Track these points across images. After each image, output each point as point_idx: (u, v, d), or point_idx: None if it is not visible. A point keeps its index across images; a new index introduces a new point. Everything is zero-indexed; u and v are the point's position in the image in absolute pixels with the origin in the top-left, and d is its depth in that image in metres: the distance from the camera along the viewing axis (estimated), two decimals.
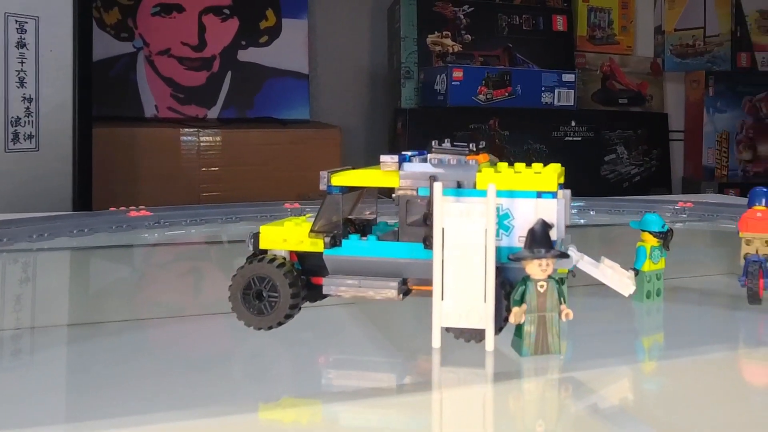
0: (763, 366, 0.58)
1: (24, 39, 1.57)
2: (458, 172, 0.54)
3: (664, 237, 0.64)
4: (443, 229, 0.52)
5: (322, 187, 0.59)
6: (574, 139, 2.12)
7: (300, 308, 0.59)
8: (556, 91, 2.09)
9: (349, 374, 0.56)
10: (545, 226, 0.50)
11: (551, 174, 0.53)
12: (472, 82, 2.04)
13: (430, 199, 0.53)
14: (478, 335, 0.53)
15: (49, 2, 1.60)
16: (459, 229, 0.52)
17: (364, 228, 0.62)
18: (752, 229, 0.64)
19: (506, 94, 2.06)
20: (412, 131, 2.07)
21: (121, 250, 1.06)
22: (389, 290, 0.55)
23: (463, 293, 0.52)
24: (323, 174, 0.58)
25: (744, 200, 1.32)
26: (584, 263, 0.54)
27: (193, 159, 2.10)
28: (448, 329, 0.54)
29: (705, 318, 0.69)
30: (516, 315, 0.50)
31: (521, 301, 0.50)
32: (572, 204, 0.62)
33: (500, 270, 0.52)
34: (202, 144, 2.09)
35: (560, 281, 0.52)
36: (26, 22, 1.57)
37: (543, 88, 2.08)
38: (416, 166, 0.55)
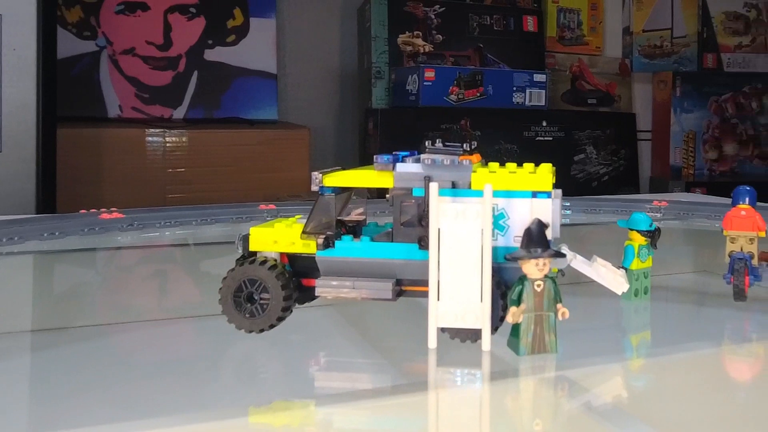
0: (748, 362, 0.60)
1: None
2: (453, 172, 0.54)
3: (652, 235, 0.65)
4: (439, 229, 0.52)
5: (314, 188, 0.59)
6: (546, 139, 2.15)
7: (292, 311, 0.59)
8: (528, 91, 2.12)
9: (341, 376, 0.56)
10: (541, 226, 0.51)
11: (546, 174, 0.53)
12: (443, 82, 2.05)
13: (425, 200, 0.54)
14: (473, 335, 0.54)
15: (12, 0, 1.56)
16: (455, 229, 0.52)
17: (354, 229, 0.62)
18: (736, 227, 0.65)
19: (478, 94, 2.07)
20: (383, 131, 2.07)
21: (94, 254, 1.04)
22: (384, 291, 0.56)
23: (459, 293, 0.52)
24: (315, 175, 0.58)
25: (717, 199, 1.36)
26: (577, 262, 0.55)
27: (159, 160, 2.07)
28: (443, 329, 0.54)
29: (692, 315, 0.70)
30: (514, 315, 0.50)
31: (518, 300, 0.51)
32: None
33: (496, 270, 0.53)
34: (168, 145, 2.06)
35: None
36: None
37: (514, 89, 2.10)
38: (410, 167, 0.55)
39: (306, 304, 0.60)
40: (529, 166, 0.57)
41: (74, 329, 0.68)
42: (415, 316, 0.63)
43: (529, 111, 2.14)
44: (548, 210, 0.52)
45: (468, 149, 0.56)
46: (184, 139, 2.06)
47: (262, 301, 0.57)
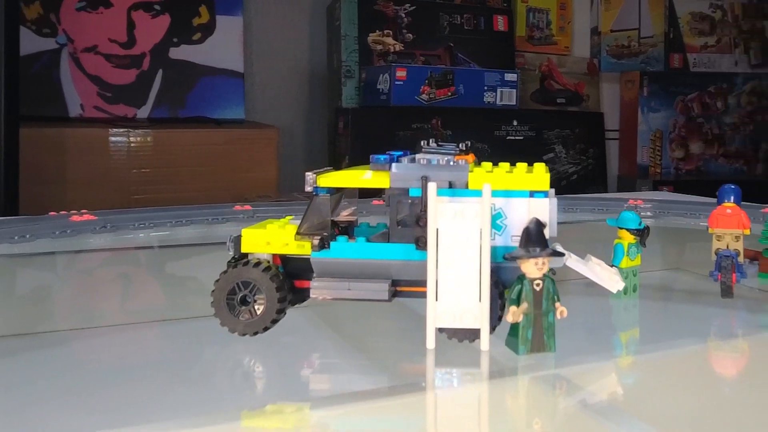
0: (734, 358, 0.61)
1: None
2: (450, 172, 0.55)
3: (641, 234, 0.66)
4: (437, 229, 0.52)
5: (308, 188, 0.58)
6: (516, 138, 2.17)
7: (285, 313, 0.58)
8: (499, 90, 2.14)
9: (336, 378, 0.55)
10: (540, 225, 0.52)
11: (543, 173, 0.54)
12: (415, 81, 2.05)
13: (423, 200, 0.54)
14: (471, 335, 0.54)
15: None
16: (453, 229, 0.52)
17: (346, 230, 0.62)
18: (722, 225, 0.67)
19: (449, 93, 2.08)
20: (354, 131, 2.07)
21: (73, 256, 1.03)
22: (380, 292, 0.56)
23: (457, 293, 0.53)
24: (309, 175, 0.58)
25: (690, 197, 1.39)
26: (573, 261, 0.56)
27: (123, 160, 2.05)
28: (441, 330, 0.54)
29: (679, 312, 0.72)
30: (515, 314, 0.51)
31: (518, 300, 0.51)
32: None
33: (494, 269, 0.53)
34: (132, 145, 2.04)
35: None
36: None
37: (485, 88, 2.12)
38: (407, 167, 0.55)
39: (299, 306, 0.60)
40: (522, 166, 0.58)
41: (63, 332, 0.67)
42: (408, 316, 0.63)
43: (500, 110, 2.16)
44: (545, 209, 0.53)
45: (463, 149, 0.56)
46: (149, 138, 2.04)
47: (256, 304, 0.57)
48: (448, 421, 0.48)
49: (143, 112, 2.23)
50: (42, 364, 0.57)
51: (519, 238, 0.53)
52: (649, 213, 1.19)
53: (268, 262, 0.58)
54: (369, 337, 0.63)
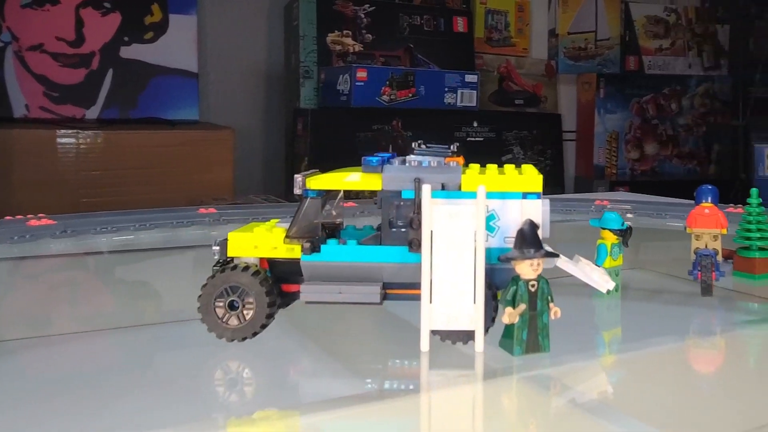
0: (712, 354, 0.63)
1: None
2: (443, 174, 0.55)
3: (623, 234, 0.68)
4: (431, 231, 0.53)
5: (297, 191, 0.58)
6: (477, 139, 2.19)
7: (274, 318, 0.58)
8: (459, 91, 2.15)
9: (326, 383, 0.55)
10: (533, 227, 0.52)
11: (535, 175, 0.55)
12: (376, 82, 2.06)
13: (416, 201, 0.54)
14: (464, 337, 0.55)
15: None
16: (447, 231, 0.53)
17: (332, 232, 0.62)
18: (701, 225, 0.69)
19: (410, 94, 2.09)
20: (314, 132, 2.06)
21: (30, 262, 1.00)
22: (372, 295, 0.56)
23: (451, 295, 0.53)
24: (298, 178, 0.58)
25: (654, 197, 1.43)
26: (563, 261, 0.57)
27: (72, 162, 2.00)
28: (434, 332, 0.55)
29: (659, 311, 0.73)
30: (511, 315, 0.52)
31: (513, 301, 0.52)
32: None
33: (486, 271, 0.54)
34: (81, 146, 1.99)
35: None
36: None
37: (446, 89, 2.14)
38: (399, 169, 0.56)
39: (284, 310, 0.60)
40: (510, 167, 0.59)
41: (47, 337, 0.66)
42: (398, 319, 0.64)
43: (460, 111, 2.18)
44: (538, 210, 0.54)
45: (455, 151, 0.57)
46: (98, 140, 2.00)
47: (245, 309, 0.56)
48: (441, 423, 0.48)
49: (92, 113, 2.18)
50: (29, 368, 0.56)
51: (512, 239, 0.54)
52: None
53: (256, 266, 0.57)
54: (357, 341, 0.63)
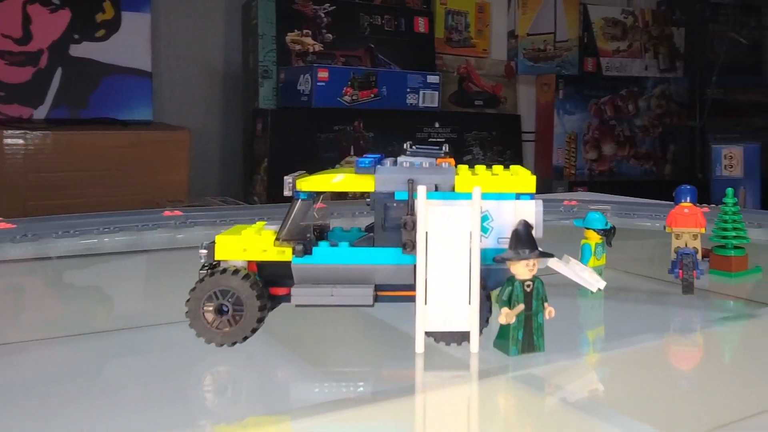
0: (692, 350, 0.65)
1: None
2: (436, 175, 0.55)
3: (607, 234, 0.69)
4: (427, 232, 0.53)
5: (287, 193, 0.58)
6: (438, 140, 2.20)
7: (264, 321, 0.58)
8: (421, 92, 2.17)
9: (318, 386, 0.55)
10: (528, 227, 0.53)
11: (528, 175, 0.56)
12: (337, 82, 2.06)
13: (409, 203, 0.55)
14: (459, 338, 0.55)
15: None
16: (442, 232, 0.53)
17: (320, 234, 0.62)
18: (681, 224, 0.71)
19: (372, 95, 2.10)
20: (274, 133, 2.05)
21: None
22: (365, 297, 0.56)
23: (447, 297, 0.54)
24: (288, 179, 0.58)
25: (620, 197, 1.46)
26: (553, 262, 0.57)
27: (19, 164, 1.95)
28: (428, 333, 0.55)
29: (639, 310, 0.75)
30: (508, 316, 0.52)
31: (509, 301, 0.53)
32: None
33: (481, 272, 0.54)
34: (29, 147, 1.94)
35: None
36: None
37: (408, 90, 2.15)
38: (392, 170, 0.56)
39: (276, 315, 0.60)
40: (498, 168, 0.59)
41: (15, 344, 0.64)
42: (383, 323, 0.64)
43: (422, 112, 2.19)
44: (532, 211, 0.55)
45: (447, 152, 0.57)
46: (47, 141, 1.95)
47: (235, 313, 0.56)
48: (438, 424, 0.49)
49: (40, 113, 2.13)
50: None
51: (505, 240, 0.55)
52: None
53: (245, 269, 0.57)
54: (346, 345, 0.63)
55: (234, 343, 0.56)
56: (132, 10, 2.24)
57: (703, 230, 0.71)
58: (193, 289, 0.56)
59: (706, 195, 2.54)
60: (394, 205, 0.55)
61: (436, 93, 2.18)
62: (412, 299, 0.56)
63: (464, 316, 0.54)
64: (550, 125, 2.76)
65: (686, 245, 0.71)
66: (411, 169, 0.56)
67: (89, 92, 2.20)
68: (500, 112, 2.68)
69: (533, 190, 0.55)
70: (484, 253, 0.54)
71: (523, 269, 0.52)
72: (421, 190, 0.53)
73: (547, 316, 0.54)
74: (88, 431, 0.46)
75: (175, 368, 0.59)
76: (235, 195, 2.29)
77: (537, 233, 0.55)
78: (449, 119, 2.25)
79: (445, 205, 0.54)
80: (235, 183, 2.44)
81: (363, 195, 0.58)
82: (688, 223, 0.71)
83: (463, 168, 0.59)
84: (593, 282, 0.57)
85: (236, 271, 0.56)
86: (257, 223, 0.62)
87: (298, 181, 0.57)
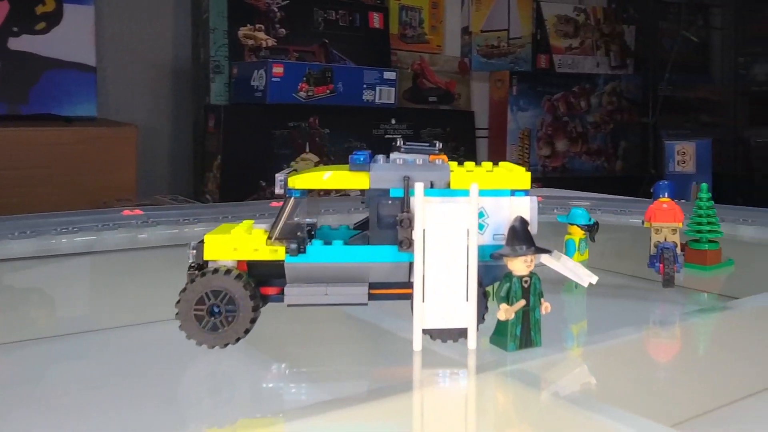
0: (672, 342, 0.68)
1: None
2: (431, 172, 0.56)
3: (590, 229, 0.71)
4: (424, 230, 0.54)
5: (279, 190, 0.58)
6: (395, 136, 2.21)
7: (256, 322, 0.57)
8: (378, 88, 2.17)
9: (311, 387, 0.55)
10: (525, 223, 0.54)
11: (524, 172, 0.56)
12: (292, 78, 2.04)
13: (405, 200, 0.55)
14: (456, 335, 0.56)
15: None
16: (439, 229, 0.54)
17: (309, 233, 0.62)
18: (660, 219, 0.73)
19: (328, 91, 2.09)
20: (227, 129, 2.02)
21: None
22: (360, 296, 0.56)
23: (444, 294, 0.54)
24: (279, 176, 0.57)
25: (579, 193, 1.49)
26: (545, 257, 0.59)
27: None
28: (425, 331, 0.55)
29: (619, 304, 0.77)
30: (507, 312, 0.53)
31: (507, 297, 0.54)
32: None
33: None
34: None
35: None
36: None
37: (364, 86, 2.15)
38: (387, 167, 0.56)
39: (267, 315, 0.59)
40: (488, 164, 0.60)
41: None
42: (380, 318, 0.64)
43: (378, 109, 2.19)
44: (527, 207, 0.56)
45: (440, 148, 0.58)
46: None
47: (227, 314, 0.55)
48: (437, 421, 0.49)
49: None
50: None
51: (501, 236, 0.56)
52: (549, 209, 1.26)
53: (236, 269, 0.57)
54: (339, 344, 0.63)
55: (226, 345, 0.56)
56: (74, 2, 2.18)
57: (681, 224, 0.74)
58: (183, 290, 0.55)
59: None
60: (389, 202, 0.56)
61: (393, 89, 2.19)
62: (407, 297, 0.57)
63: (461, 312, 0.54)
64: (503, 121, 2.80)
65: (665, 239, 0.73)
66: (407, 166, 0.56)
67: (29, 87, 2.13)
68: (454, 109, 2.71)
69: (528, 186, 0.56)
70: (481, 250, 0.55)
71: (520, 265, 0.53)
72: (419, 187, 0.53)
73: (543, 312, 0.55)
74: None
75: (165, 370, 0.58)
76: (185, 193, 2.25)
77: (532, 229, 0.56)
78: (405, 116, 2.26)
79: (443, 202, 0.54)
80: (186, 181, 2.40)
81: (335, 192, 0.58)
82: (667, 218, 0.73)
83: (453, 164, 0.60)
84: (585, 277, 0.59)
85: (228, 271, 0.55)
86: (244, 221, 0.61)
87: (290, 179, 0.57)
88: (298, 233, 0.56)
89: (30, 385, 0.56)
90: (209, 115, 2.13)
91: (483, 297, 0.56)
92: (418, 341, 0.55)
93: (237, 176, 2.03)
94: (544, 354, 0.57)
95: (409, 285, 0.56)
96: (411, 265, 0.56)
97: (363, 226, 0.60)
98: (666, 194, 0.74)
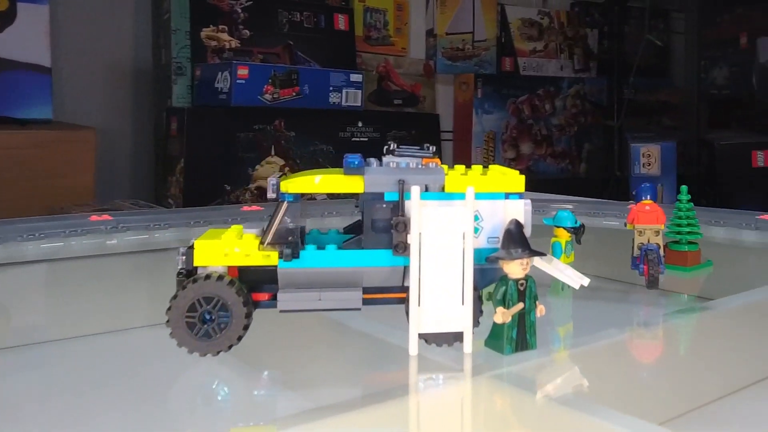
0: (655, 343, 0.69)
1: None
2: (427, 175, 0.56)
3: (576, 232, 0.72)
4: (420, 233, 0.54)
5: (271, 195, 0.57)
6: (361, 139, 2.21)
7: (248, 329, 0.57)
8: (344, 91, 2.16)
9: (305, 393, 0.55)
10: (520, 227, 0.55)
11: (517, 175, 0.57)
12: (257, 80, 2.03)
13: (400, 203, 0.55)
14: (451, 339, 0.56)
15: None
16: (435, 233, 0.54)
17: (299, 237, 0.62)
18: (643, 221, 0.75)
19: (293, 93, 2.08)
20: (190, 132, 2.00)
21: None
22: (354, 301, 0.56)
23: (440, 298, 0.55)
24: (272, 180, 0.57)
25: (543, 195, 1.51)
26: (537, 260, 0.59)
27: None
28: (420, 335, 0.56)
29: (606, 305, 0.79)
30: (504, 315, 0.54)
31: (503, 301, 0.54)
32: None
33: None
34: None
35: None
36: None
37: (331, 88, 2.14)
38: (382, 170, 0.56)
39: (259, 321, 0.59)
40: (479, 167, 0.61)
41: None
42: (373, 323, 0.64)
43: (345, 111, 2.19)
44: (521, 210, 0.56)
45: (434, 151, 0.58)
46: None
47: (220, 321, 0.55)
48: (434, 426, 0.50)
49: None
50: None
51: (495, 239, 0.56)
52: None
53: (227, 274, 0.56)
54: (333, 349, 0.63)
55: (218, 353, 0.56)
56: (28, 1, 2.13)
57: (663, 227, 0.75)
58: (174, 297, 0.55)
59: (625, 192, 2.66)
60: (383, 206, 0.56)
61: (359, 92, 2.19)
62: (401, 301, 0.57)
63: (457, 316, 0.55)
64: (468, 124, 2.82)
65: (648, 241, 0.74)
66: (401, 170, 0.56)
67: None
68: (419, 111, 2.72)
69: (522, 189, 0.57)
70: (476, 253, 0.56)
71: (516, 268, 0.54)
72: (415, 191, 0.54)
73: (538, 314, 0.56)
74: None
75: (154, 378, 0.57)
76: (146, 198, 2.22)
77: (526, 232, 0.57)
78: (372, 118, 2.26)
79: (439, 205, 0.54)
80: (147, 185, 2.37)
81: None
82: (650, 220, 0.74)
83: (444, 167, 0.61)
84: (577, 279, 0.60)
85: (221, 277, 0.55)
86: (234, 226, 0.61)
87: (283, 183, 0.56)
88: (291, 238, 0.56)
89: (10, 393, 0.55)
90: (171, 117, 2.11)
91: (478, 300, 0.56)
92: (414, 346, 0.55)
93: (201, 180, 2.01)
94: (537, 356, 0.58)
95: (403, 289, 0.57)
96: (405, 269, 0.56)
97: (354, 229, 0.60)
98: (648, 196, 0.76)
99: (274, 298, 0.56)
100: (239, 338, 0.56)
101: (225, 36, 2.20)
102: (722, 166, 2.57)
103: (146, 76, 2.35)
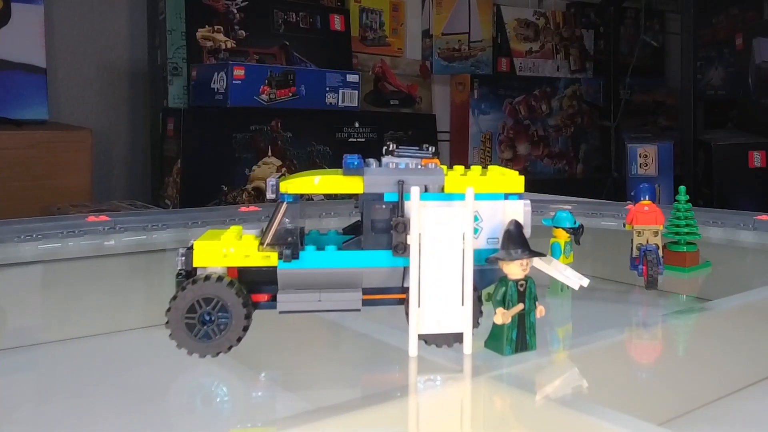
0: (654, 343, 0.69)
1: None
2: (426, 176, 0.56)
3: (575, 232, 0.72)
4: (420, 234, 0.54)
5: (270, 195, 0.57)
6: (358, 140, 2.21)
7: (248, 330, 0.57)
8: (341, 91, 2.16)
9: (304, 395, 0.55)
10: (519, 227, 0.55)
11: (517, 176, 0.57)
12: (254, 81, 2.03)
13: (399, 204, 0.55)
14: (450, 340, 0.56)
15: None
16: (434, 233, 0.54)
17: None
18: (642, 222, 0.75)
19: (290, 94, 2.08)
20: (186, 133, 2.00)
21: None
22: (354, 302, 0.56)
23: (440, 299, 0.55)
24: (271, 181, 0.57)
25: (540, 195, 1.51)
26: (537, 261, 0.59)
27: None
28: (420, 336, 0.56)
29: (604, 306, 0.79)
30: (504, 316, 0.54)
31: (503, 301, 0.54)
32: None
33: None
34: None
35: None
36: None
37: (327, 89, 2.14)
38: (381, 171, 0.56)
39: (259, 322, 0.59)
40: (478, 168, 0.61)
41: None
42: (372, 324, 0.64)
43: (341, 112, 2.19)
44: (520, 211, 0.56)
45: (434, 152, 0.58)
46: None
47: (220, 322, 0.55)
48: (430, 427, 0.50)
49: None
50: None
51: (495, 240, 0.56)
52: None
53: (227, 275, 0.56)
54: (332, 350, 0.63)
55: (218, 354, 0.56)
56: (23, 2, 2.13)
57: (662, 227, 0.76)
58: (173, 298, 0.55)
59: (622, 192, 2.67)
60: (383, 206, 0.56)
61: (356, 92, 2.18)
62: (401, 302, 0.57)
63: (457, 317, 0.55)
64: (465, 125, 2.82)
65: (647, 242, 0.74)
66: (401, 171, 0.56)
67: None
68: (416, 112, 2.72)
69: (522, 189, 0.57)
70: (476, 254, 0.56)
71: (516, 269, 0.54)
72: (415, 192, 0.54)
73: (538, 315, 0.56)
74: None
75: (156, 380, 0.57)
76: (143, 198, 2.22)
77: (526, 233, 0.57)
78: (369, 119, 2.26)
79: (438, 206, 0.54)
80: (143, 186, 2.36)
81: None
82: (649, 221, 0.75)
83: (444, 168, 0.61)
84: (576, 280, 0.60)
85: (221, 278, 0.55)
86: (233, 227, 0.61)
87: (282, 183, 0.56)
88: (290, 239, 0.56)
89: (7, 395, 0.55)
90: (167, 118, 2.10)
91: (478, 301, 0.56)
92: (414, 347, 0.55)
93: (197, 181, 2.01)
94: (537, 357, 0.58)
95: (403, 290, 0.57)
96: (405, 269, 0.56)
97: (353, 230, 0.60)
98: (647, 197, 0.76)
99: (274, 299, 0.56)
100: (239, 339, 0.56)
101: (221, 36, 2.20)
102: (719, 166, 2.58)
103: (142, 77, 2.35)
